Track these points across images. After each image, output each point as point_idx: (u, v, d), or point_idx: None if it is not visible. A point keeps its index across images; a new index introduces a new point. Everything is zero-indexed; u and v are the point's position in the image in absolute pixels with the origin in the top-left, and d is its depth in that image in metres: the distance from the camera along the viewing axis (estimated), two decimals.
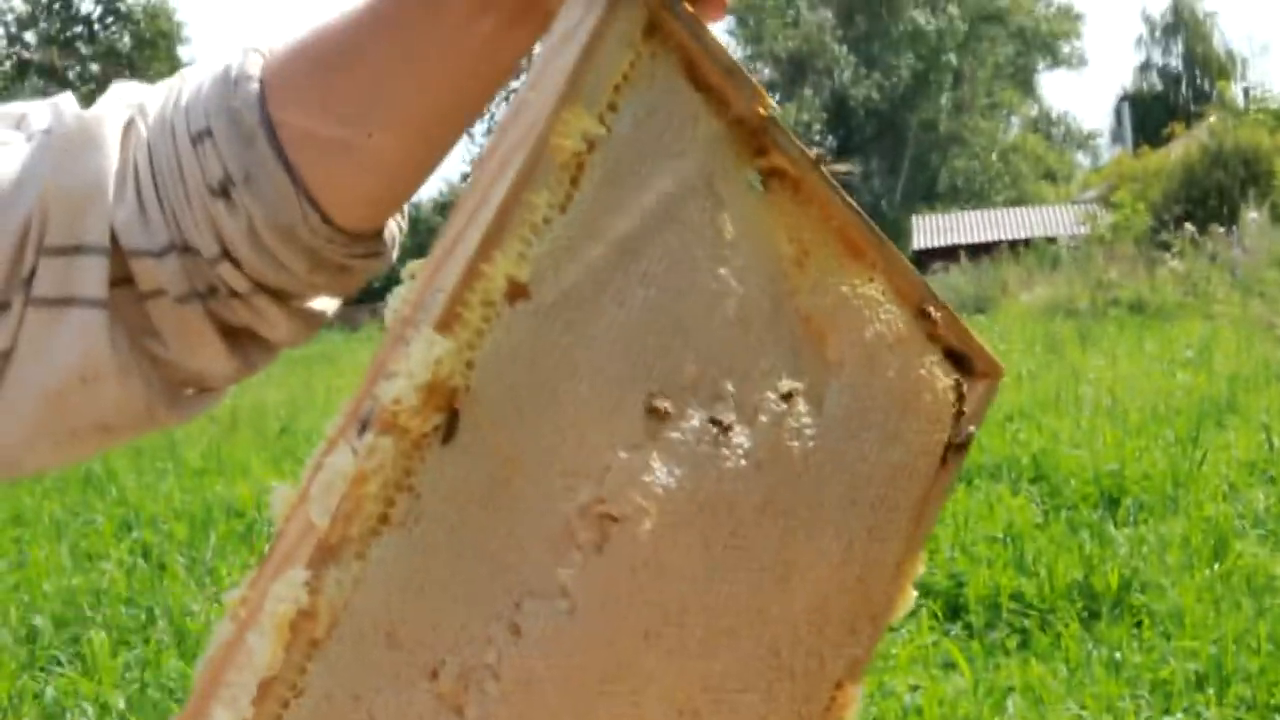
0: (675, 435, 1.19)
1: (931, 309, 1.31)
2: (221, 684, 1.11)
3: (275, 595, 1.07)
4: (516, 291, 1.07)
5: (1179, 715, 4.80)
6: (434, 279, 1.08)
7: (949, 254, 34.68)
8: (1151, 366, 12.99)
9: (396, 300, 1.10)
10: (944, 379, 1.32)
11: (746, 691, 1.28)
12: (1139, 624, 5.84)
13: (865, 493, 1.30)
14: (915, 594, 1.32)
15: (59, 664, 6.16)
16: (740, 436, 1.21)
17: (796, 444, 1.25)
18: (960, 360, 1.33)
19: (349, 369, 20.55)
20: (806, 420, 1.25)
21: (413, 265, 1.10)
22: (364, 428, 1.05)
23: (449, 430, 1.06)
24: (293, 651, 1.07)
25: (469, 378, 1.07)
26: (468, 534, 1.13)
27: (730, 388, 1.21)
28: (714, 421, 1.20)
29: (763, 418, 1.22)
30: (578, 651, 1.20)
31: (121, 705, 5.47)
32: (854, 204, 1.25)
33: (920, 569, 1.33)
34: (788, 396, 1.23)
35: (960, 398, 1.32)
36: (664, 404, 1.17)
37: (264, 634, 1.09)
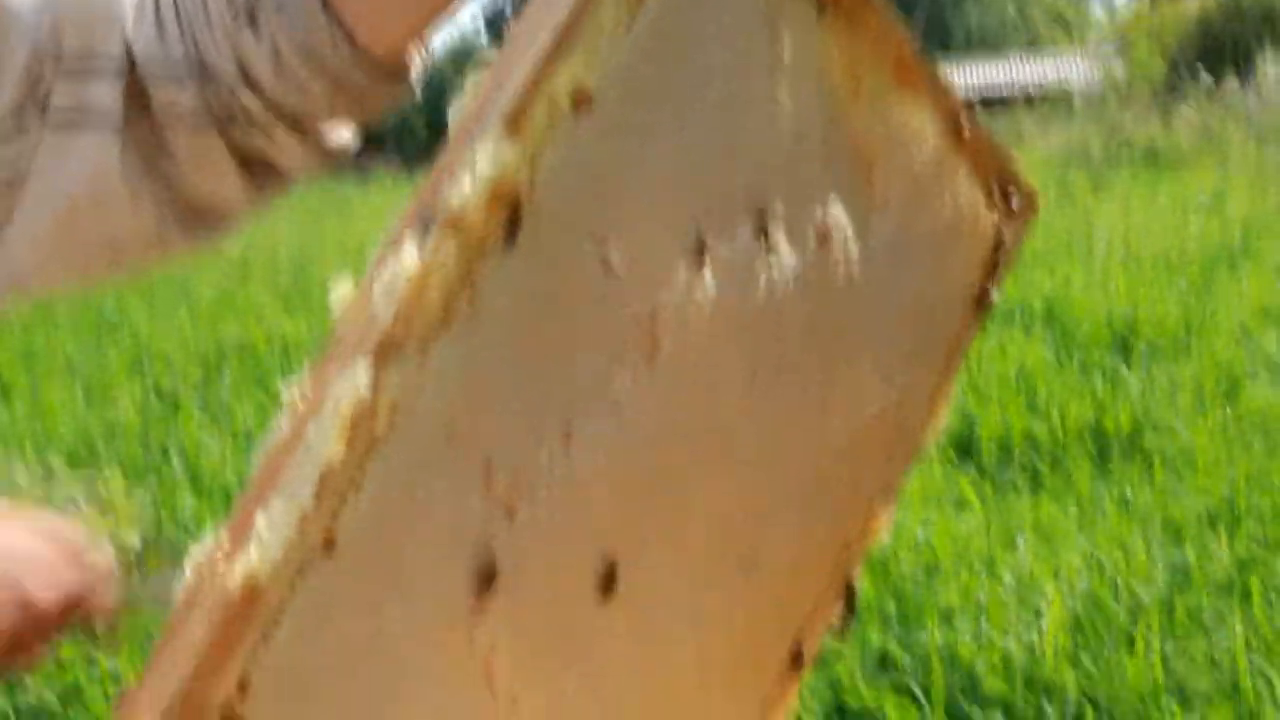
0: (726, 252, 1.21)
1: (976, 138, 1.33)
2: (280, 476, 1.14)
3: (337, 390, 1.10)
4: (581, 100, 1.09)
5: (1191, 553, 4.86)
6: (500, 83, 1.09)
7: (964, 105, 34.30)
8: (1165, 214, 12.96)
9: (461, 103, 1.12)
10: (985, 215, 1.34)
11: (785, 510, 1.32)
12: (1150, 465, 5.89)
13: (904, 322, 1.33)
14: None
15: (75, 505, 6.22)
16: (788, 257, 1.24)
17: (841, 269, 1.28)
18: (1002, 193, 1.36)
19: (361, 217, 20.48)
20: (852, 247, 1.28)
21: (475, 75, 1.12)
22: (428, 227, 1.07)
23: (511, 233, 1.08)
24: (353, 447, 1.10)
25: (532, 181, 1.09)
26: (525, 339, 1.16)
27: (781, 209, 1.23)
28: (763, 240, 1.22)
29: (810, 241, 1.24)
30: (626, 461, 1.23)
31: (137, 544, 5.54)
32: (908, 35, 1.27)
33: (951, 397, 1.36)
34: (835, 222, 1.26)
35: (999, 233, 1.35)
36: (716, 221, 1.19)
37: (325, 428, 1.12)
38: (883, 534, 1.36)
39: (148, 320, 10.43)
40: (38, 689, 4.24)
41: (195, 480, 6.34)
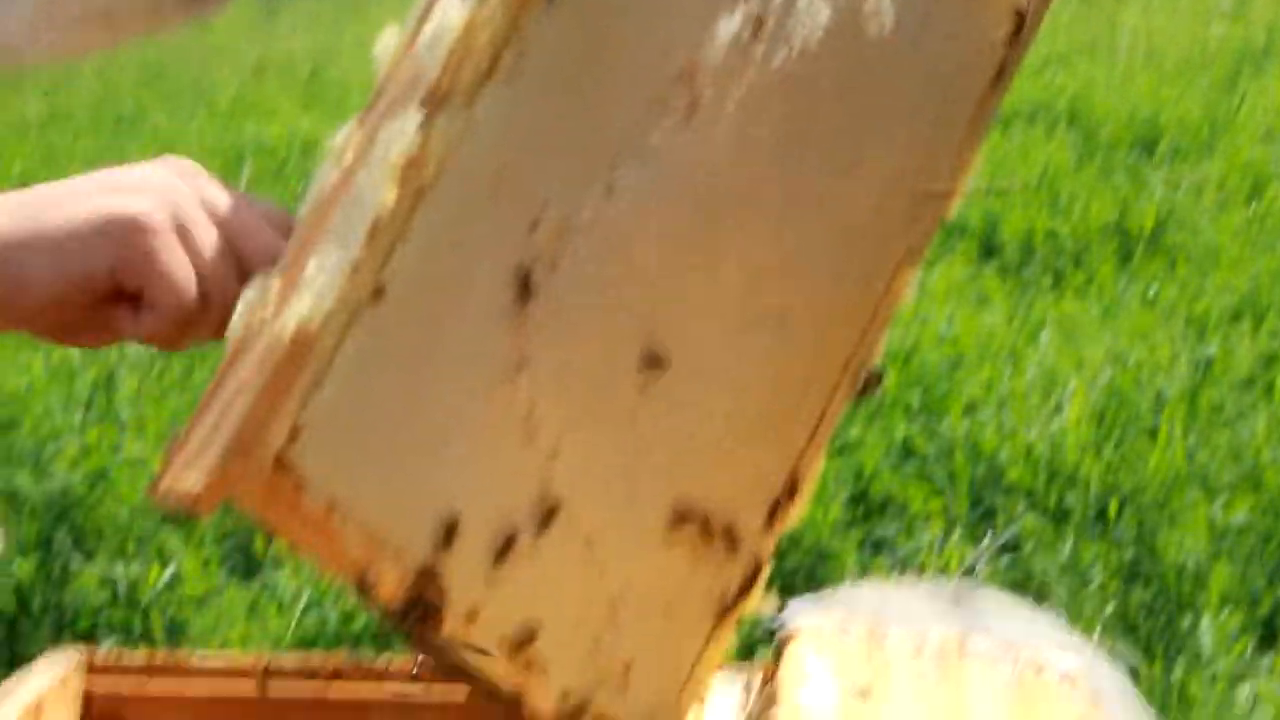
0: (763, 7, 1.22)
1: None
2: (330, 225, 1.15)
3: (387, 138, 1.11)
4: None
5: (1214, 346, 4.88)
6: None
7: None
8: (1187, 16, 12.79)
9: None
10: None
11: (815, 266, 1.32)
12: (1174, 263, 5.89)
13: (931, 86, 1.33)
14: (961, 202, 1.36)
15: None
16: (822, 13, 1.25)
17: (873, 26, 1.29)
18: None
19: (376, 20, 20.21)
20: (885, 2, 1.28)
21: None
22: None
23: None
24: (402, 196, 1.12)
25: None
26: (569, 92, 1.17)
27: None
28: None
29: None
30: (664, 214, 1.24)
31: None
32: None
33: (976, 163, 1.37)
34: None
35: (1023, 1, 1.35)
36: None
37: (375, 177, 1.14)
38: (907, 296, 1.38)
39: (167, 120, 10.38)
40: (64, 474, 4.30)
41: None
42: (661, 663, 1.33)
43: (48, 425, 4.54)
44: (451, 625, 1.21)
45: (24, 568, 4.01)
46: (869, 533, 4.08)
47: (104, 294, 1.16)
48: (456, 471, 1.21)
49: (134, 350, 4.92)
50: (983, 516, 4.12)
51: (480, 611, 1.23)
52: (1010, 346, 4.88)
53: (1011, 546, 3.99)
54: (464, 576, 1.21)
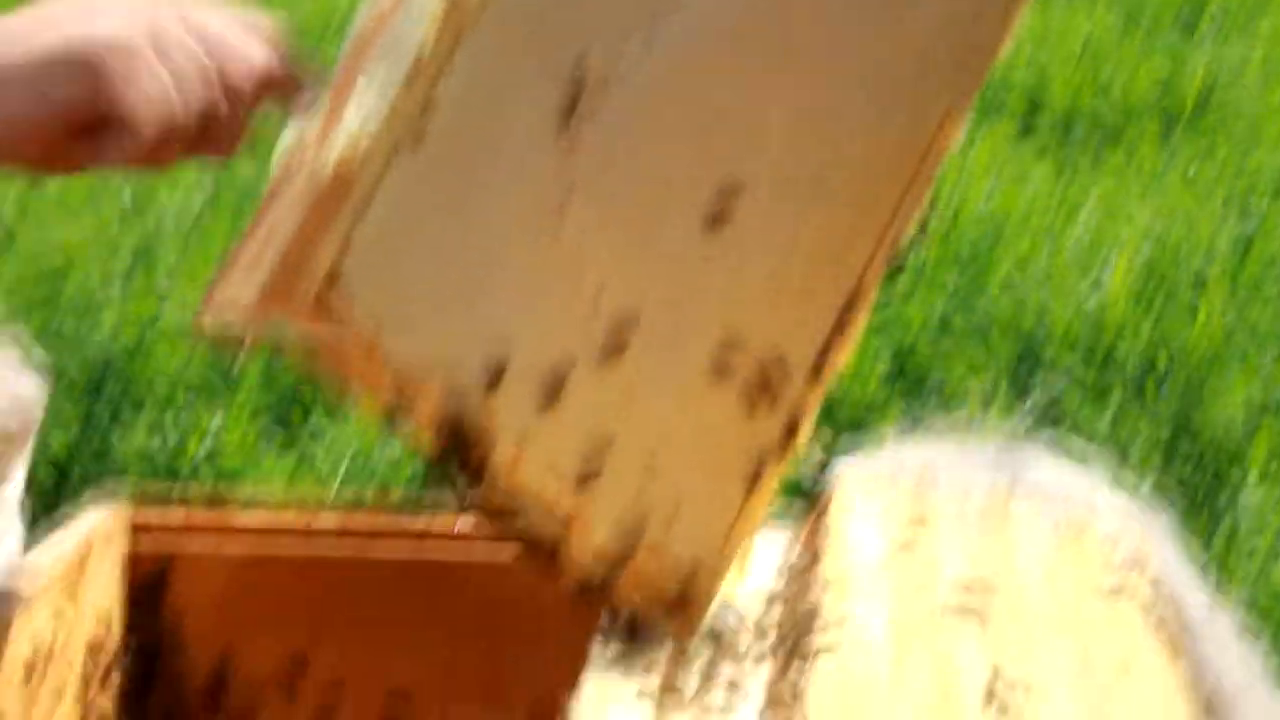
0: None
1: None
2: (371, 63, 1.14)
3: None
4: None
5: (1255, 223, 4.83)
6: None
7: None
8: None
9: None
10: None
11: (861, 116, 1.31)
12: (1216, 138, 5.82)
13: None
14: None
15: None
16: None
17: None
18: None
19: None
20: None
21: None
22: None
23: None
24: (444, 31, 1.11)
25: None
26: None
27: None
28: None
29: None
30: (707, 58, 1.23)
31: None
32: None
33: (1022, 13, 1.35)
34: None
35: None
36: None
37: (416, 13, 1.12)
38: (950, 147, 1.37)
39: None
40: (103, 345, 4.31)
41: None
42: (705, 511, 1.32)
43: (86, 297, 4.54)
44: (496, 464, 1.21)
45: (62, 439, 4.02)
46: (908, 406, 4.06)
47: (84, 121, 1.15)
48: (504, 305, 1.20)
49: (173, 222, 4.92)
50: (1023, 390, 4.10)
51: (525, 451, 1.23)
52: (1051, 221, 4.84)
53: (1052, 420, 3.97)
54: (511, 414, 1.21)
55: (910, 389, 4.14)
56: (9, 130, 1.13)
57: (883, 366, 4.10)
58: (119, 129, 1.15)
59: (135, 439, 4.06)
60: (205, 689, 1.64)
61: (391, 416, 1.17)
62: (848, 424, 3.92)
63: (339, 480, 3.84)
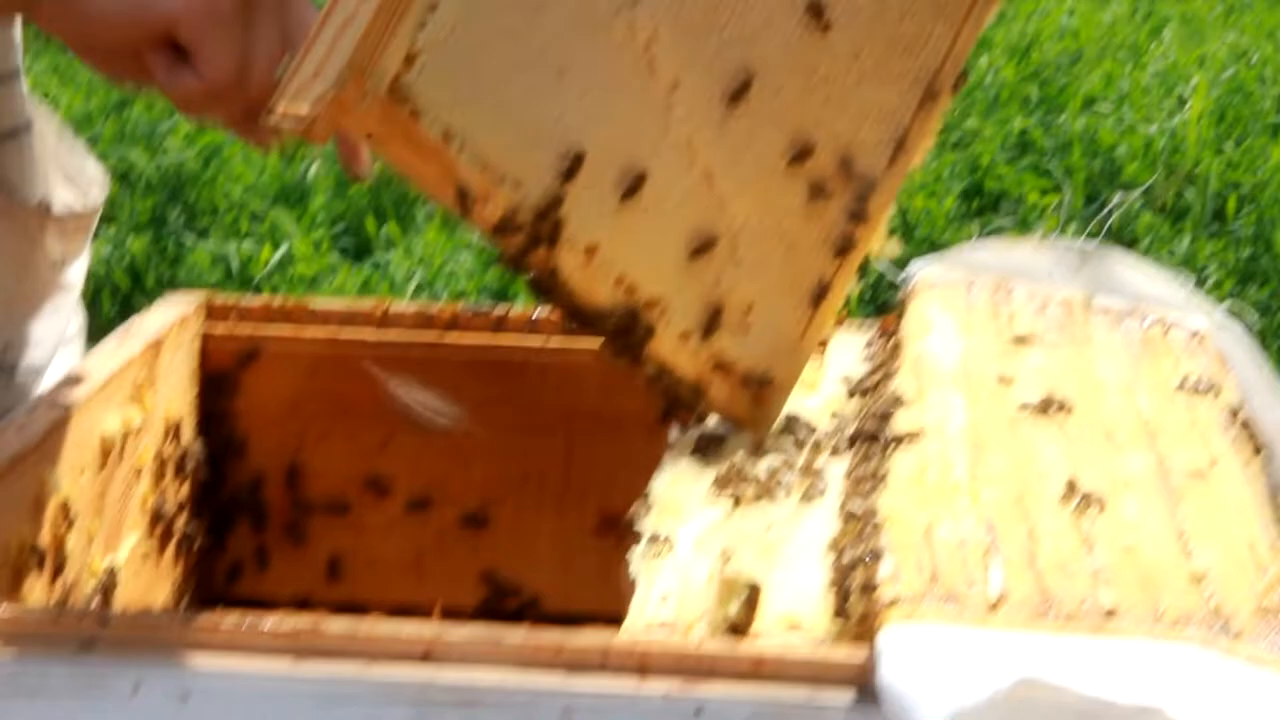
0: None
1: None
2: None
3: None
4: None
5: None
6: None
7: None
8: None
9: None
10: None
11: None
12: None
13: None
14: None
15: None
16: None
17: None
18: None
19: None
20: None
21: None
22: None
23: None
24: None
25: None
26: None
27: None
28: None
29: None
30: None
31: None
32: None
33: None
34: None
35: None
36: None
37: None
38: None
39: None
40: (178, 151, 4.31)
41: None
42: (782, 303, 1.32)
43: (162, 102, 4.54)
44: (571, 261, 1.21)
45: (138, 244, 4.05)
46: (984, 226, 4.03)
47: (156, 38, 1.19)
48: (576, 103, 1.19)
49: None
50: (1098, 212, 4.06)
51: (600, 248, 1.22)
52: (1131, 42, 4.76)
53: (1127, 242, 3.93)
54: (585, 210, 1.20)
55: (986, 207, 4.11)
56: (102, 19, 1.18)
57: (959, 185, 4.06)
58: (185, 69, 1.19)
59: (209, 245, 4.08)
60: (281, 487, 1.65)
61: (466, 215, 1.17)
62: (923, 243, 3.89)
63: (412, 290, 3.86)
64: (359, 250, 4.16)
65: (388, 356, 1.62)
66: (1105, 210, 3.93)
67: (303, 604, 1.60)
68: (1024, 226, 3.94)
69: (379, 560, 1.64)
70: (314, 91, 1.11)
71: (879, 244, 1.36)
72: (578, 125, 1.19)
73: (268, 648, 1.00)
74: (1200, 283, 3.82)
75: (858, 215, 1.32)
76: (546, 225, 1.18)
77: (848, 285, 1.36)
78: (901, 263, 1.58)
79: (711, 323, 1.28)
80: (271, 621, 1.01)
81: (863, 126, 1.31)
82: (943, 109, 1.35)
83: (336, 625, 1.02)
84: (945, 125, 4.19)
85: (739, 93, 1.25)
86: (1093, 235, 3.88)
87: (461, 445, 1.62)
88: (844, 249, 1.32)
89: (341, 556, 1.65)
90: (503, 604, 1.65)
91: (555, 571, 1.63)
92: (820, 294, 1.33)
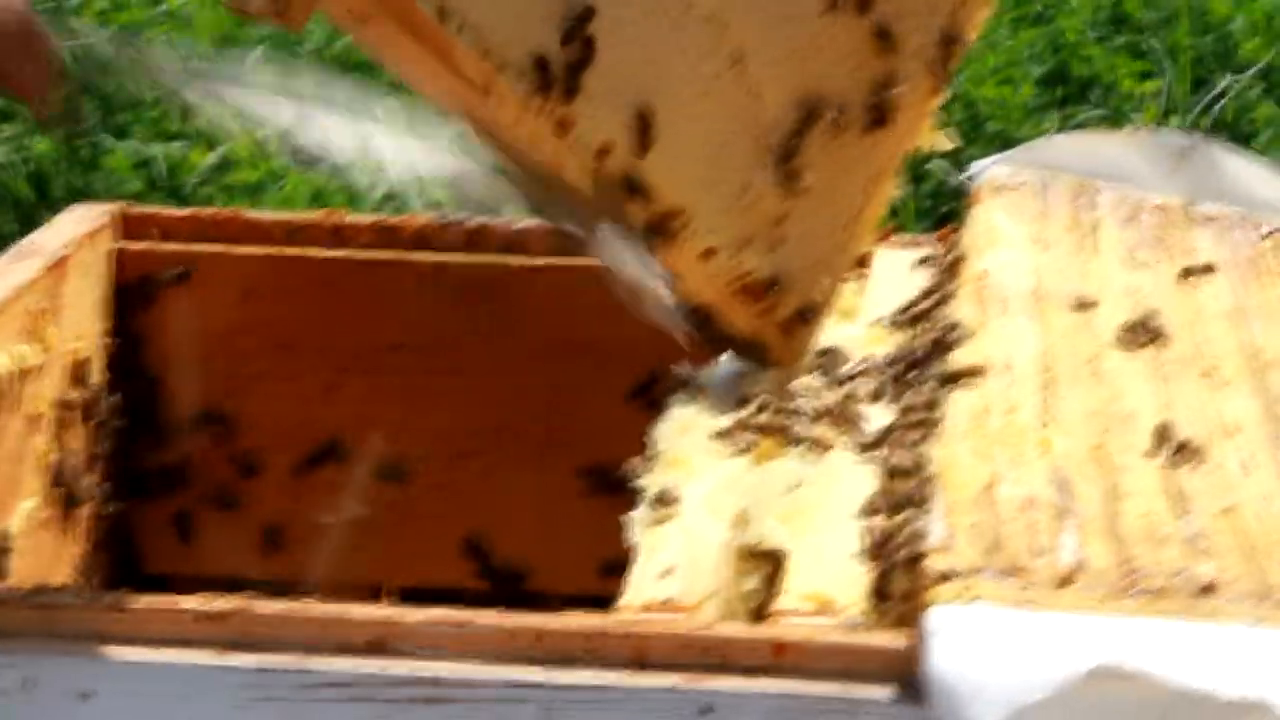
0: None
1: None
2: None
3: None
4: None
5: None
6: None
7: None
8: None
9: None
10: None
11: None
12: None
13: None
14: None
15: None
16: None
17: None
18: None
19: None
20: None
21: None
22: None
23: None
24: None
25: None
26: None
27: None
28: None
29: None
30: None
31: None
32: None
33: None
34: None
35: None
36: None
37: None
38: None
39: None
40: (90, 27, 4.29)
41: None
42: (817, 210, 1.31)
43: None
44: (579, 157, 1.21)
45: (42, 146, 4.03)
46: (1068, 119, 4.01)
47: None
48: None
49: None
50: (1209, 102, 4.03)
51: (614, 146, 1.23)
52: None
53: (1242, 138, 3.91)
54: (597, 102, 1.21)
55: (1071, 95, 4.08)
56: None
57: (1039, 68, 4.04)
58: None
59: (129, 146, 4.07)
60: (208, 440, 1.65)
61: (461, 105, 1.18)
62: (994, 139, 3.87)
63: (376, 201, 3.84)
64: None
65: (339, 279, 1.61)
66: (1216, 97, 3.89)
67: (235, 584, 1.59)
68: (1117, 119, 3.91)
69: (326, 530, 1.64)
70: None
71: (930, 137, 1.36)
72: None
73: (189, 636, 1.00)
74: None
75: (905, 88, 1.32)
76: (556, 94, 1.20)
77: (892, 184, 1.36)
78: (965, 162, 1.57)
79: (739, 239, 1.29)
80: (194, 603, 1.01)
81: None
82: None
83: (271, 607, 1.01)
84: None
85: None
86: (1200, 128, 3.86)
87: (426, 388, 1.61)
88: (878, 120, 1.32)
89: (281, 525, 1.65)
90: (482, 580, 1.65)
91: (541, 539, 1.63)
92: (865, 193, 1.34)
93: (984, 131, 3.88)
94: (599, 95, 1.22)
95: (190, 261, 1.61)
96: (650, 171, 1.25)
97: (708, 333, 1.32)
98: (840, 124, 1.31)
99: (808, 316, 1.33)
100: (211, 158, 4.05)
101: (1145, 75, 4.07)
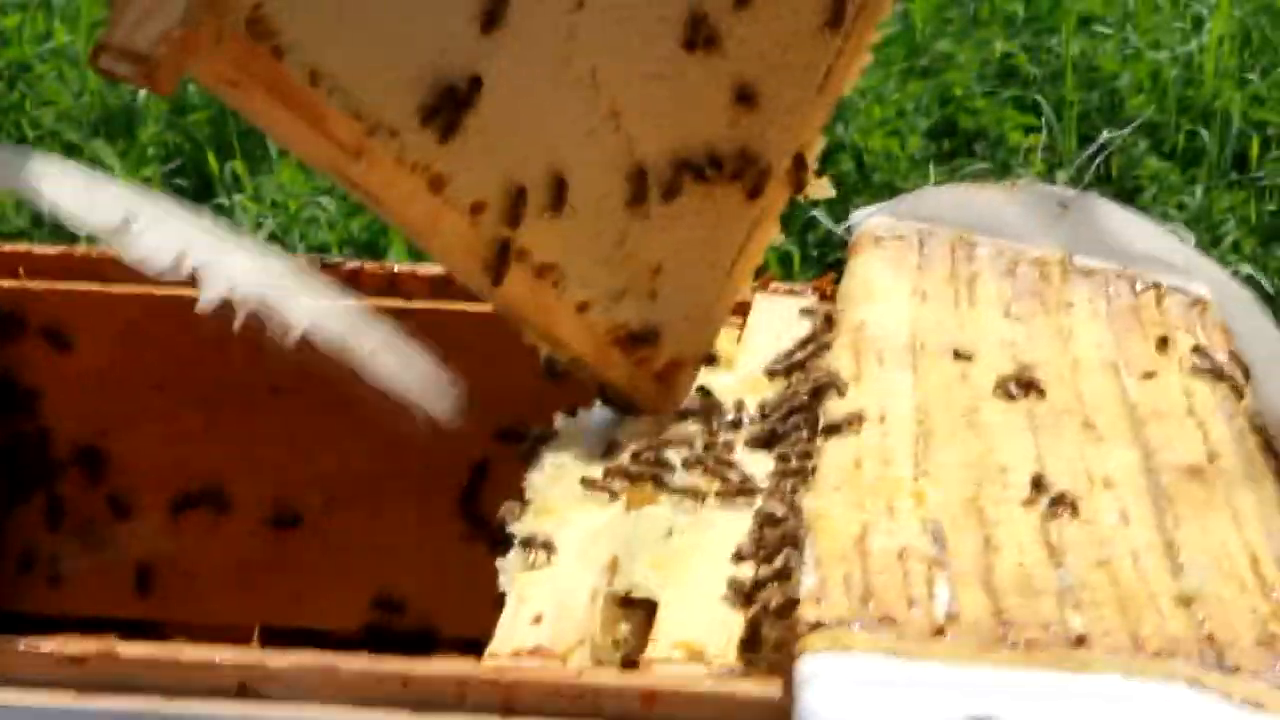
0: None
1: None
2: None
3: None
4: None
5: None
6: None
7: None
8: None
9: None
10: None
11: None
12: None
13: None
14: None
15: None
16: None
17: None
18: None
19: None
20: None
21: None
22: None
23: None
24: None
25: None
26: None
27: None
28: None
29: None
30: None
31: None
32: None
33: None
34: None
35: None
36: None
37: None
38: None
39: None
40: None
41: None
42: (694, 260, 1.31)
43: None
44: (455, 213, 1.21)
45: None
46: (954, 172, 4.03)
47: None
48: (441, 35, 1.20)
49: None
50: (1095, 155, 4.06)
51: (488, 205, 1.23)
52: None
53: (1128, 193, 3.95)
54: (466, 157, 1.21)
55: (959, 150, 4.11)
56: None
57: (926, 120, 4.06)
58: None
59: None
60: (80, 478, 1.63)
61: (333, 170, 1.18)
62: (881, 189, 3.89)
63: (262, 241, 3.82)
64: (198, 192, 4.12)
65: (217, 320, 1.59)
66: (1099, 149, 3.92)
67: (105, 625, 1.57)
68: (1004, 172, 3.94)
69: (201, 571, 1.62)
70: (154, 27, 1.10)
71: (809, 187, 1.36)
72: (465, 57, 1.19)
73: (45, 678, 0.98)
74: (1215, 242, 3.84)
75: (785, 149, 1.32)
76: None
77: (771, 233, 1.36)
78: (844, 212, 1.57)
79: (614, 293, 1.28)
80: (52, 644, 1.00)
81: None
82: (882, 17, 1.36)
83: (133, 649, 1.00)
84: (912, 49, 4.18)
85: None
86: (1085, 183, 3.89)
87: (304, 430, 1.60)
88: (763, 190, 1.32)
89: (153, 565, 1.63)
90: (376, 625, 1.64)
91: (431, 581, 1.62)
92: (741, 243, 1.34)
93: (871, 183, 3.90)
94: (476, 152, 1.21)
95: (63, 303, 1.60)
96: (524, 231, 1.24)
97: (584, 381, 1.31)
98: (715, 177, 1.31)
99: (683, 366, 1.33)
100: None
101: (1031, 130, 4.10)
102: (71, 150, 4.16)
